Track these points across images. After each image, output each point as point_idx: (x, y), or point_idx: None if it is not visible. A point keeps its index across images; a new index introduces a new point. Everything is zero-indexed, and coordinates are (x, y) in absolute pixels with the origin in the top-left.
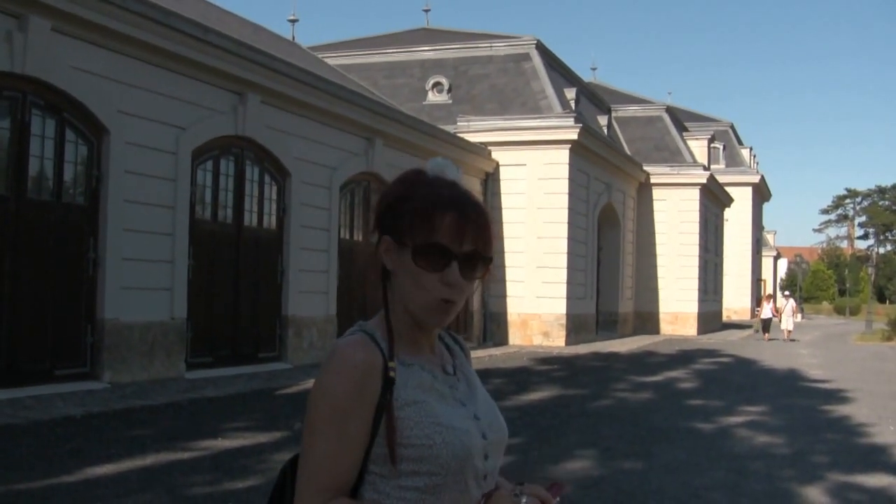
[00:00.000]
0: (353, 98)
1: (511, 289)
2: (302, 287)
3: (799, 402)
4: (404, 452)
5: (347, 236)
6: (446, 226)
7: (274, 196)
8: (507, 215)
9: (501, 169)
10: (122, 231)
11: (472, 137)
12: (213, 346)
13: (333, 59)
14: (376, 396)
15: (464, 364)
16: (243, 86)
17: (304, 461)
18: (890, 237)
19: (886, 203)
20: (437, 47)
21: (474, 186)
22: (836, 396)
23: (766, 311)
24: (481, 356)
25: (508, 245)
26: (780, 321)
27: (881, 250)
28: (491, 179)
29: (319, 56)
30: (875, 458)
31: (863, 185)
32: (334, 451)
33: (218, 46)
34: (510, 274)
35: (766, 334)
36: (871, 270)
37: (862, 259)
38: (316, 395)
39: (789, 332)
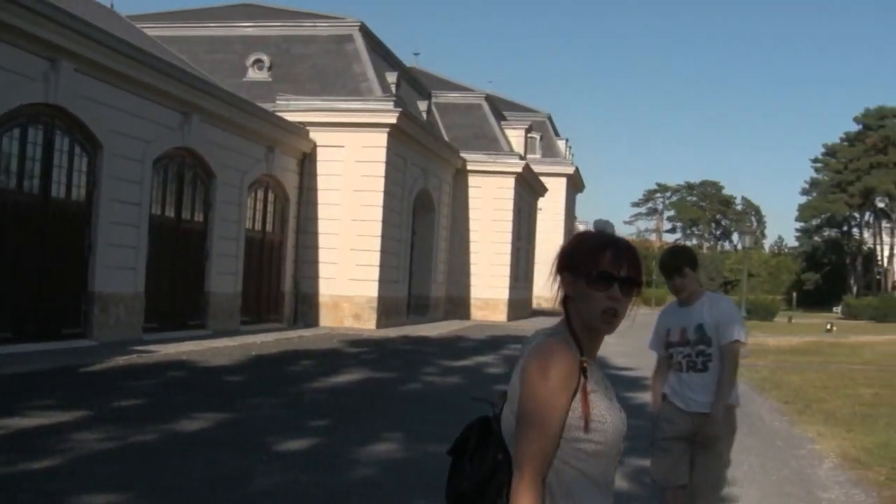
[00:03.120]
0: (170, 71)
1: (323, 270)
2: (110, 262)
3: None
4: (589, 424)
5: (160, 212)
6: (607, 258)
7: (84, 168)
8: (322, 196)
9: (319, 150)
10: None
11: (291, 117)
12: (14, 320)
13: (153, 31)
14: (576, 382)
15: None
16: (56, 52)
17: (536, 431)
18: (696, 231)
19: (694, 199)
20: (259, 24)
21: (290, 166)
22: (640, 384)
23: None
24: (291, 337)
25: (322, 226)
26: None
27: (688, 244)
28: (308, 160)
29: (139, 26)
30: None
31: (672, 181)
32: (557, 422)
33: (30, 9)
34: (323, 255)
35: None
36: None
37: None
38: (542, 379)
39: None
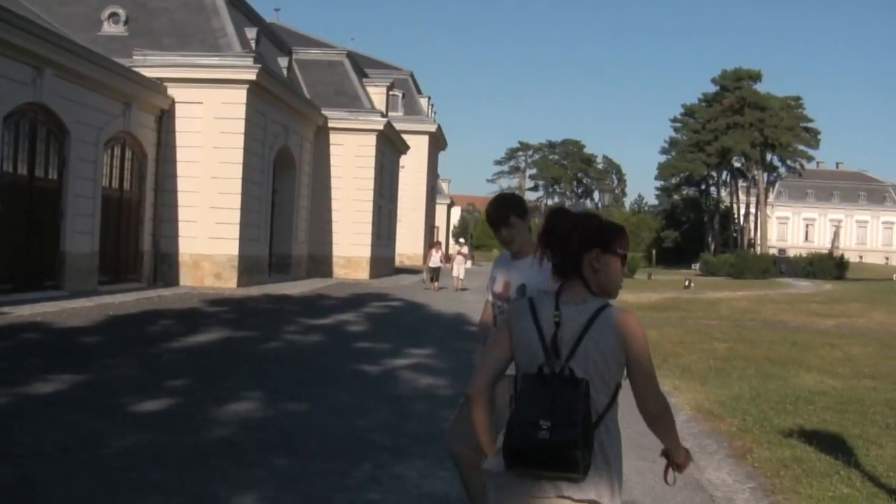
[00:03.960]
0: (20, 23)
1: (183, 229)
2: None
3: (463, 345)
4: None
5: (11, 170)
6: (624, 241)
7: None
8: (181, 154)
9: (177, 106)
10: None
11: (148, 72)
12: None
13: None
14: None
15: None
16: None
17: (653, 374)
18: (558, 189)
19: (556, 157)
20: None
21: (147, 123)
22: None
23: (434, 258)
24: (150, 297)
25: (182, 184)
26: (452, 269)
27: (549, 202)
28: (166, 116)
29: None
30: None
31: (534, 140)
32: None
33: None
34: (182, 214)
35: (434, 283)
36: (538, 221)
37: (532, 210)
38: (644, 336)
39: (460, 280)
